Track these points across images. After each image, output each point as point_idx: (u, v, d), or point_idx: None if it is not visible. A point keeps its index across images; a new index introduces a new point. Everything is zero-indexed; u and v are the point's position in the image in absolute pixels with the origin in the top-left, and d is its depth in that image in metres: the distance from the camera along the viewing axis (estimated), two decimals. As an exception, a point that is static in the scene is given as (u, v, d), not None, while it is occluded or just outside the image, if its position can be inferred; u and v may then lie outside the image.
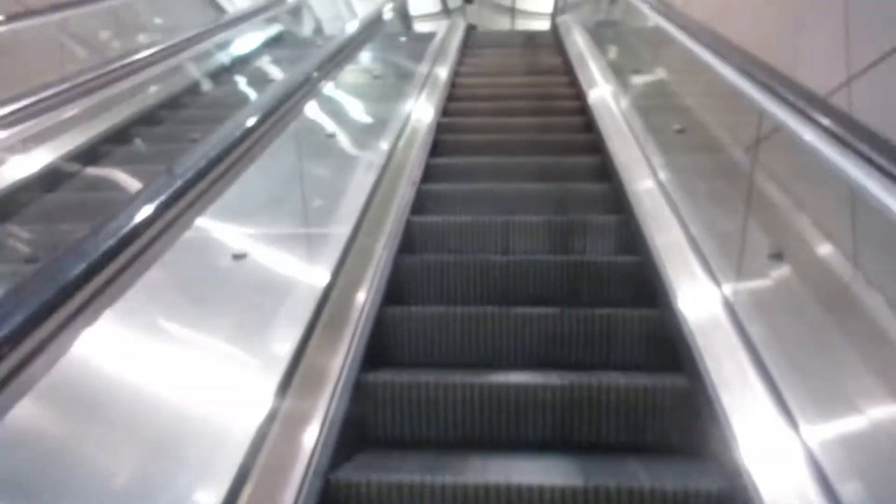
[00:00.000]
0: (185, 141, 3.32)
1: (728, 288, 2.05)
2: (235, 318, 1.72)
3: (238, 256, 1.82)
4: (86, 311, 1.09)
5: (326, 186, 2.88)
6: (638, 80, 3.96)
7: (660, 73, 3.63)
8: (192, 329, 1.57)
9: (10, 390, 0.91)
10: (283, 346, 1.73)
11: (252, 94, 4.75)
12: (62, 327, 1.01)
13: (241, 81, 5.00)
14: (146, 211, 1.25)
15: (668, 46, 3.26)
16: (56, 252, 1.11)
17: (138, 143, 3.70)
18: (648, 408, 1.82)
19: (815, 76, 2.13)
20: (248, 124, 1.73)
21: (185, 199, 1.35)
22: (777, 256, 1.85)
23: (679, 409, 1.83)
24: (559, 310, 2.23)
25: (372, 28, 3.32)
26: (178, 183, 1.32)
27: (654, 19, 3.29)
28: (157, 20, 5.10)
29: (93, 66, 2.74)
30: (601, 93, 4.30)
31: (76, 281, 1.06)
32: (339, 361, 1.91)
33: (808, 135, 1.59)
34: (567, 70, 5.34)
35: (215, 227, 1.78)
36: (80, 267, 1.07)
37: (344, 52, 2.62)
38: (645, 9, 3.56)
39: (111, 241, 1.17)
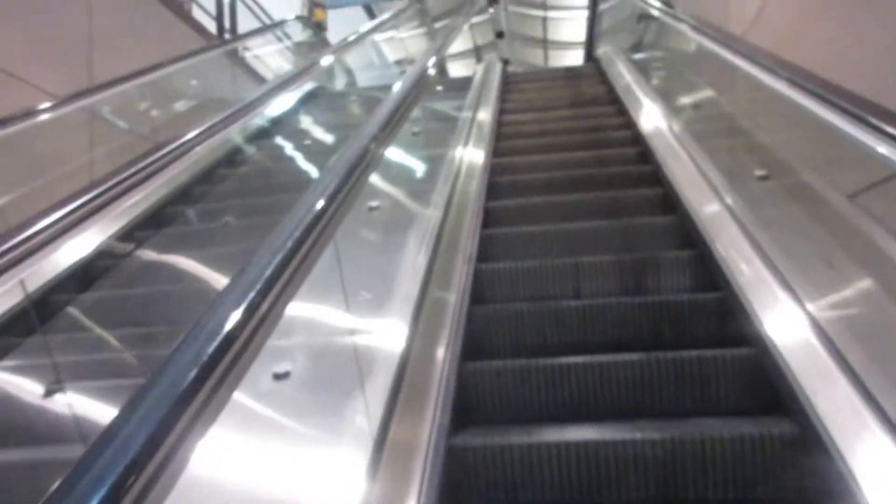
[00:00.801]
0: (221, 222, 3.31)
1: (825, 317, 1.98)
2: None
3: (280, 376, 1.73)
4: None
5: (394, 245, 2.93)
6: (703, 114, 3.88)
7: (726, 106, 3.53)
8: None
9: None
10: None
11: (293, 161, 4.77)
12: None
13: (281, 147, 4.96)
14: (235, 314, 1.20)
15: (726, 74, 3.19)
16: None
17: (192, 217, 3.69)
18: (757, 459, 1.75)
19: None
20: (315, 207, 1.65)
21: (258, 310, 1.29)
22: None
23: (790, 458, 1.75)
24: (644, 355, 2.18)
25: (419, 87, 3.31)
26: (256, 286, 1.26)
27: (712, 48, 3.21)
28: (193, 88, 5.18)
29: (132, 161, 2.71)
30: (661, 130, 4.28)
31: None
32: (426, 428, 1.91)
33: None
34: (616, 106, 5.31)
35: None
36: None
37: (395, 118, 2.64)
38: (706, 41, 3.42)
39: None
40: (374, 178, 2.84)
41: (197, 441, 0.97)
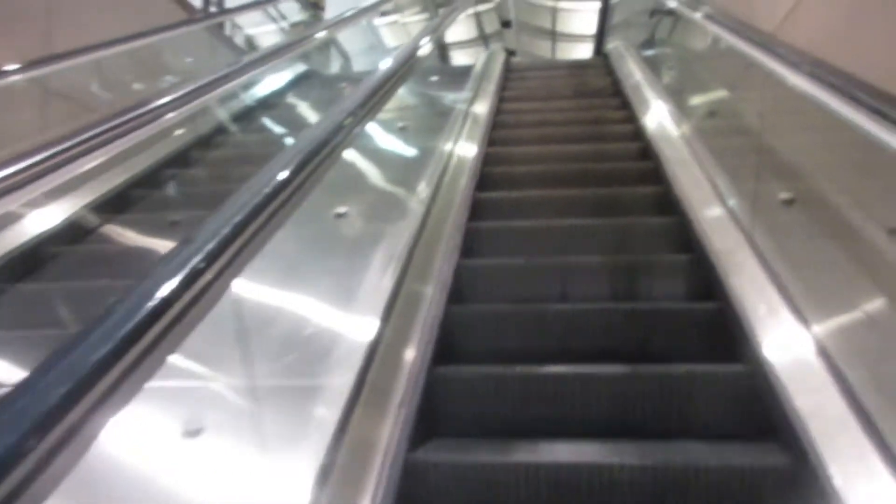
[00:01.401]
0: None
1: (830, 342, 1.83)
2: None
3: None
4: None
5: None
6: (721, 123, 3.53)
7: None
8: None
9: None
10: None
11: (267, 147, 4.52)
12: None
13: (264, 130, 4.73)
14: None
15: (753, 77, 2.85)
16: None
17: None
18: (746, 491, 1.60)
19: None
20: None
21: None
22: None
23: (784, 490, 1.61)
24: (630, 368, 2.03)
25: (403, 71, 3.10)
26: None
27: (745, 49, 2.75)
28: (165, 68, 4.86)
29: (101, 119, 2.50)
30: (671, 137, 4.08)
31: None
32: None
33: None
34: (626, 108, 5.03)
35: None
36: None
37: (373, 98, 2.47)
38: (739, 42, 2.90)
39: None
40: (354, 159, 2.69)
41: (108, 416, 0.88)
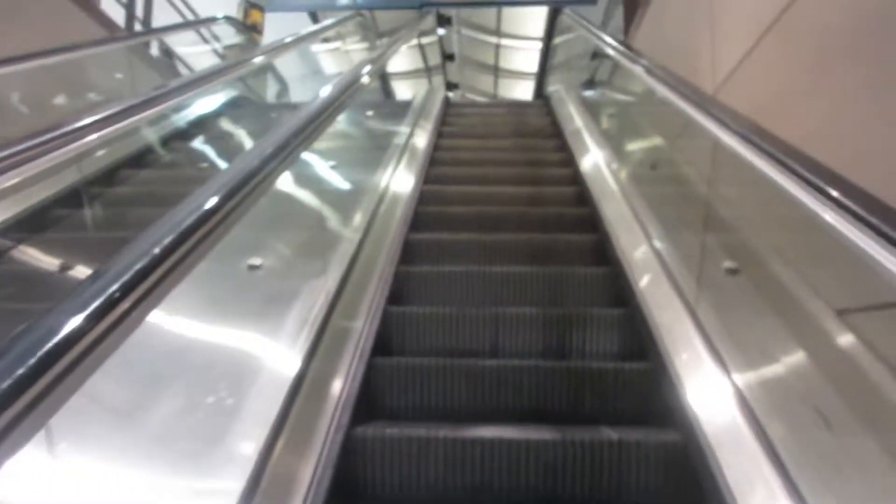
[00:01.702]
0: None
1: (761, 408, 1.80)
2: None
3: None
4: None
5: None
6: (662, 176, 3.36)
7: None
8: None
9: None
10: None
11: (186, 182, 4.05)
12: None
13: (174, 166, 4.21)
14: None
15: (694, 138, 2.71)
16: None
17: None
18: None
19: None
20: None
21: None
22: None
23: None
24: (560, 435, 1.94)
25: (338, 104, 2.93)
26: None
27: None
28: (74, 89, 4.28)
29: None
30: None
31: None
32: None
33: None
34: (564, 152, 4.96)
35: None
36: None
37: (305, 132, 2.35)
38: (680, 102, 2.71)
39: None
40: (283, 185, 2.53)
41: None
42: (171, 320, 1.46)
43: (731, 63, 3.18)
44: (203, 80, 3.61)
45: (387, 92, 7.57)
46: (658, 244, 2.90)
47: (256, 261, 1.99)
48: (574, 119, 5.42)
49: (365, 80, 3.77)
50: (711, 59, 3.46)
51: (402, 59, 12.44)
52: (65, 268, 2.79)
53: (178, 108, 4.22)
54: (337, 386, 2.13)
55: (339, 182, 3.44)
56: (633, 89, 4.15)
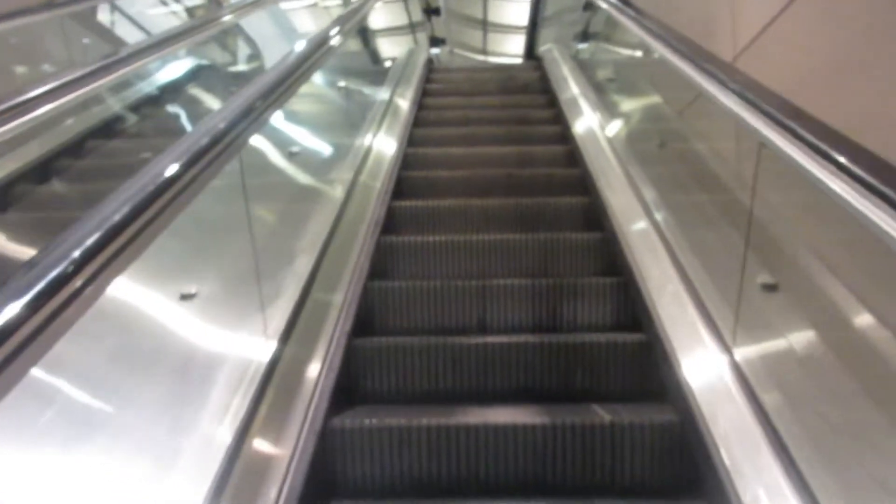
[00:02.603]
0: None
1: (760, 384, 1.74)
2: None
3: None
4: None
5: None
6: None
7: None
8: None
9: None
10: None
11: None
12: None
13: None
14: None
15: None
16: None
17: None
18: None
19: None
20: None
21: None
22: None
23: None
24: (549, 420, 1.88)
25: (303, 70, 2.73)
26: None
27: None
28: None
29: None
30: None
31: None
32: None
33: None
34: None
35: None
36: None
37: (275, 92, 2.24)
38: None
39: None
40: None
41: None
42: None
43: (757, 25, 2.49)
44: (150, 50, 3.30)
45: (370, 50, 7.15)
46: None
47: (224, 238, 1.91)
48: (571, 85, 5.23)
49: (337, 39, 3.63)
50: (731, 19, 2.73)
51: (384, 15, 12.15)
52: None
53: (125, 85, 3.83)
54: (314, 370, 2.06)
55: (318, 150, 3.33)
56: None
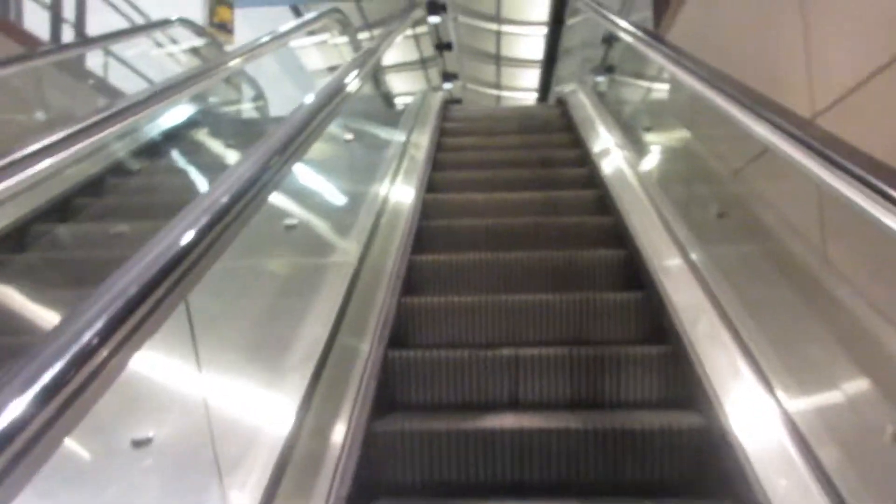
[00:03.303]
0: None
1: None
2: None
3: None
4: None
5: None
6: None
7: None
8: None
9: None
10: None
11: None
12: None
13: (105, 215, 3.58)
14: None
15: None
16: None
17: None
18: None
19: None
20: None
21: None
22: None
23: None
24: None
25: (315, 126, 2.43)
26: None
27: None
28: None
29: None
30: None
31: None
32: None
33: None
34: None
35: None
36: None
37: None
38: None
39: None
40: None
41: None
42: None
43: (845, 84, 2.07)
44: (145, 103, 3.03)
45: (382, 92, 6.79)
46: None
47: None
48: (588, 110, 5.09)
49: (354, 84, 3.43)
50: (807, 74, 2.38)
51: (394, 51, 12.16)
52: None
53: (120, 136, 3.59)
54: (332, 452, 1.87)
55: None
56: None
